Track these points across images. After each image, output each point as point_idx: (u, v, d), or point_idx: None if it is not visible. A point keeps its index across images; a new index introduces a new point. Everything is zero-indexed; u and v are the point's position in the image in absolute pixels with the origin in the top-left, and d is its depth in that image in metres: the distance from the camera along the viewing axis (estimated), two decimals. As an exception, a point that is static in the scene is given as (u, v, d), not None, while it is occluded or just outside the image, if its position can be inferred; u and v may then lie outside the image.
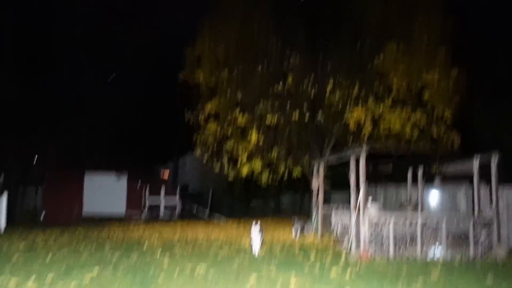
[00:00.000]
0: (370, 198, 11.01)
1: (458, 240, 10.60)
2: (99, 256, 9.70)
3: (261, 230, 10.75)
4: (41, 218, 22.52)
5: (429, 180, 15.30)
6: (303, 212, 24.64)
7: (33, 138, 24.66)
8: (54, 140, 24.76)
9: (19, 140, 24.21)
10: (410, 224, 10.39)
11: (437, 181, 17.21)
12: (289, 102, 18.13)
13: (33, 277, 7.23)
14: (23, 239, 12.69)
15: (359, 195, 10.51)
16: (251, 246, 10.68)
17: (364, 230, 10.16)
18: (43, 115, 23.67)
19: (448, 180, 17.42)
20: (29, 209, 24.39)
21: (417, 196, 14.65)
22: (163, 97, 34.05)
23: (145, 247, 11.43)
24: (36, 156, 25.89)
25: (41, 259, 9.22)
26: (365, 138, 17.71)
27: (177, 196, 27.14)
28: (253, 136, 17.99)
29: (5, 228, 15.96)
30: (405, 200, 15.42)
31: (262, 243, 10.69)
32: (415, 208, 13.91)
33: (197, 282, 7.26)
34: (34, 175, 26.92)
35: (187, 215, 24.98)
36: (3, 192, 16.47)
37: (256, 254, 10.27)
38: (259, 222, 10.63)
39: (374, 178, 18.88)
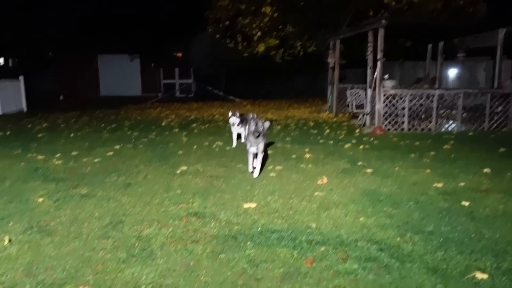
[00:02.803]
0: (387, 75, 10.80)
1: (474, 113, 10.57)
2: (119, 135, 10.00)
3: (245, 121, 8.05)
4: (60, 98, 22.94)
5: (449, 55, 14.77)
6: (317, 92, 24.56)
7: (41, 22, 24.07)
8: (62, 22, 24.14)
9: (29, 24, 23.69)
10: (427, 98, 10.30)
11: (457, 56, 16.67)
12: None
13: (58, 154, 7.52)
14: (44, 120, 13.06)
15: (376, 70, 10.28)
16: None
17: (379, 105, 10.13)
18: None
19: (469, 55, 16.85)
20: (46, 92, 24.74)
21: (435, 72, 14.30)
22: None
23: (162, 126, 11.71)
24: (47, 40, 25.52)
25: (63, 138, 9.54)
26: (386, 11, 16.78)
27: (191, 78, 27.10)
28: (267, 10, 17.16)
29: (27, 110, 16.41)
30: (423, 76, 15.09)
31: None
32: (432, 83, 13.70)
33: (215, 154, 7.51)
34: (48, 59, 26.84)
35: (202, 96, 25.15)
36: (18, 76, 16.61)
37: (234, 146, 8.23)
38: (237, 112, 8.30)
39: (392, 55, 18.33)
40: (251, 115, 8.42)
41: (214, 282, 2.95)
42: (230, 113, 8.16)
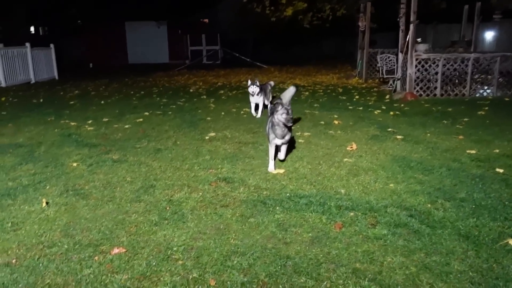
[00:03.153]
0: (420, 39, 10.42)
1: (511, 78, 10.14)
2: (148, 101, 10.10)
3: (264, 90, 7.67)
4: (90, 66, 23.28)
5: (485, 17, 14.05)
6: (346, 57, 24.02)
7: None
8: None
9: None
10: (461, 62, 9.92)
11: (493, 17, 15.88)
12: None
13: (90, 121, 7.69)
14: (75, 88, 13.30)
15: (408, 34, 9.93)
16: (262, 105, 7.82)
17: (411, 70, 9.84)
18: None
19: (506, 16, 16.02)
20: (76, 60, 25.09)
21: (471, 35, 13.70)
22: None
23: (191, 92, 11.75)
24: (76, 8, 25.69)
25: (94, 105, 9.72)
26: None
27: (218, 44, 26.90)
28: None
29: (58, 78, 16.73)
30: (458, 39, 14.51)
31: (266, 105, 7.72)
32: (468, 47, 13.16)
33: (243, 120, 7.52)
34: (77, 27, 27.09)
35: (229, 62, 24.99)
36: (49, 44, 16.84)
37: (258, 116, 7.74)
38: (256, 80, 7.57)
39: (425, 18, 17.63)
40: (269, 87, 8.05)
41: (244, 245, 3.00)
42: (249, 82, 7.50)
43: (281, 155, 4.89)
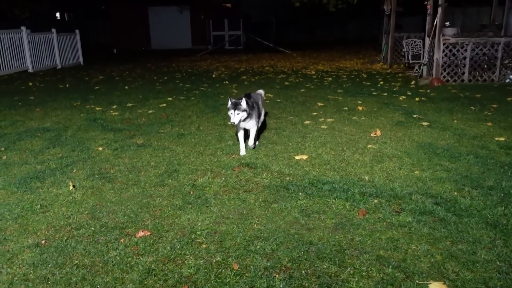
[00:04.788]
0: (448, 23, 10.13)
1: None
2: (171, 87, 10.16)
3: (255, 106, 4.72)
4: (114, 51, 23.51)
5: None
6: (370, 41, 23.58)
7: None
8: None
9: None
10: (491, 47, 9.61)
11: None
12: None
13: (115, 106, 7.78)
14: (100, 73, 13.47)
15: (436, 17, 9.66)
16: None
17: (438, 55, 9.59)
18: None
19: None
20: (100, 45, 25.37)
21: (502, 18, 13.22)
22: None
23: (213, 78, 11.76)
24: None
25: (119, 90, 9.83)
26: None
27: (241, 29, 26.76)
28: None
29: (83, 64, 16.97)
30: (488, 22, 14.03)
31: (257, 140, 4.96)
32: (498, 30, 12.72)
33: (267, 105, 7.49)
34: (101, 12, 27.31)
35: (251, 47, 24.85)
36: (74, 30, 17.04)
37: (251, 147, 4.84)
38: (242, 99, 4.43)
39: (454, 0, 17.08)
40: (260, 98, 5.13)
41: (267, 230, 3.01)
42: (229, 102, 4.47)
43: None
